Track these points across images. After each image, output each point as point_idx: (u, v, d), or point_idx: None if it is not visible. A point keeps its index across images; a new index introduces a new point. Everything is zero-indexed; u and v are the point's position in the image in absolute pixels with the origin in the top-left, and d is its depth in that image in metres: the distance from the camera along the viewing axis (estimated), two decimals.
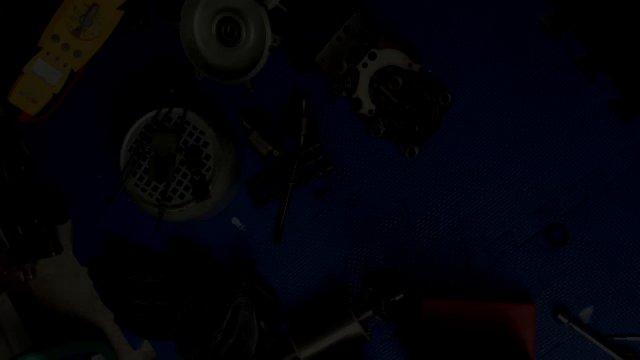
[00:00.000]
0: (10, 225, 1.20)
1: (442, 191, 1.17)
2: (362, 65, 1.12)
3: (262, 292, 1.18)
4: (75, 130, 1.25)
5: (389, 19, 1.17)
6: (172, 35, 1.18)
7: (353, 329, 1.11)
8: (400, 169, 1.18)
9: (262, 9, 1.10)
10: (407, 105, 1.13)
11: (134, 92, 1.24)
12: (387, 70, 1.12)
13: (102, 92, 1.25)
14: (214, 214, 1.20)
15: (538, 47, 1.14)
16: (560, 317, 1.13)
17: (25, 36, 1.20)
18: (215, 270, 1.20)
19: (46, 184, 1.26)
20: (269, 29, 1.10)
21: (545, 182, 1.15)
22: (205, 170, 1.11)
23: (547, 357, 1.14)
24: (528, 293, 1.15)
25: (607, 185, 1.13)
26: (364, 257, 1.19)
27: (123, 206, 1.21)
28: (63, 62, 1.17)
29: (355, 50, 1.13)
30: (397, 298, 1.14)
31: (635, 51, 1.13)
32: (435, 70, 1.16)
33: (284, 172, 1.18)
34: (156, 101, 1.13)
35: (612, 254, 1.13)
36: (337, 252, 1.19)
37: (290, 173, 1.17)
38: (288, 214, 1.19)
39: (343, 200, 1.19)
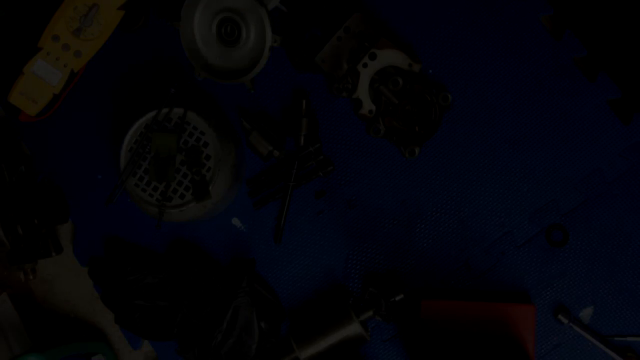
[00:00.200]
0: (10, 225, 1.20)
1: (442, 191, 1.17)
2: (362, 65, 1.12)
3: (262, 292, 1.18)
4: (75, 130, 1.25)
5: (389, 19, 1.17)
6: (172, 35, 1.18)
7: (353, 329, 1.11)
8: (400, 169, 1.18)
9: (262, 9, 1.10)
10: (407, 105, 1.13)
11: (134, 92, 1.24)
12: (387, 70, 1.12)
13: (102, 92, 1.25)
14: (214, 214, 1.20)
15: (538, 47, 1.14)
16: (560, 317, 1.13)
17: (25, 36, 1.20)
18: (215, 270, 1.20)
19: (46, 184, 1.26)
20: (269, 29, 1.10)
21: (545, 182, 1.15)
22: (205, 170, 1.11)
23: (547, 357, 1.14)
24: (528, 293, 1.15)
25: (607, 185, 1.13)
26: (364, 257, 1.19)
27: (123, 206, 1.21)
28: (63, 62, 1.17)
29: (355, 50, 1.13)
30: (397, 298, 1.14)
31: (635, 51, 1.13)
32: (435, 70, 1.16)
33: (284, 172, 1.18)
34: (156, 101, 1.13)
35: (612, 254, 1.13)
36: (337, 252, 1.19)
37: (290, 173, 1.17)
38: (288, 214, 1.19)
39: (343, 200, 1.19)
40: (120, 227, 1.25)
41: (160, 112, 1.12)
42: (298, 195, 1.20)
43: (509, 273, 1.15)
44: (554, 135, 1.14)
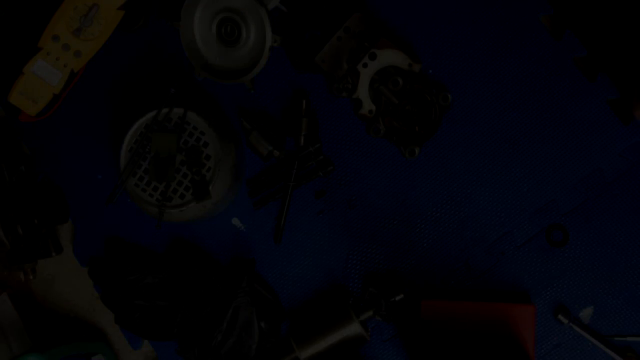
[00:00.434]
0: (10, 225, 1.20)
1: (442, 191, 1.17)
2: (362, 65, 1.12)
3: (262, 292, 1.18)
4: (75, 130, 1.25)
5: (389, 19, 1.17)
6: (172, 35, 1.18)
7: (353, 329, 1.11)
8: (400, 169, 1.18)
9: (262, 9, 1.10)
10: (407, 105, 1.13)
11: (134, 92, 1.24)
12: (387, 70, 1.12)
13: (102, 92, 1.25)
14: (214, 214, 1.20)
15: (538, 47, 1.14)
16: (560, 317, 1.13)
17: (25, 36, 1.20)
18: (215, 270, 1.20)
19: (46, 184, 1.26)
20: (269, 29, 1.10)
21: (545, 182, 1.15)
22: (205, 170, 1.11)
23: (547, 357, 1.14)
24: (528, 293, 1.15)
25: (607, 185, 1.13)
26: (364, 257, 1.19)
27: (123, 206, 1.21)
28: (63, 62, 1.17)
29: (355, 50, 1.13)
30: (397, 298, 1.14)
31: (635, 51, 1.13)
32: (435, 70, 1.16)
33: (284, 172, 1.18)
34: (156, 101, 1.13)
35: (612, 254, 1.13)
36: (337, 252, 1.19)
37: (290, 173, 1.17)
38: (288, 214, 1.19)
39: (343, 200, 1.19)
40: (120, 227, 1.25)
41: (160, 112, 1.12)
42: (298, 195, 1.20)
43: (509, 273, 1.15)
44: (553, 135, 1.14)
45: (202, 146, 1.11)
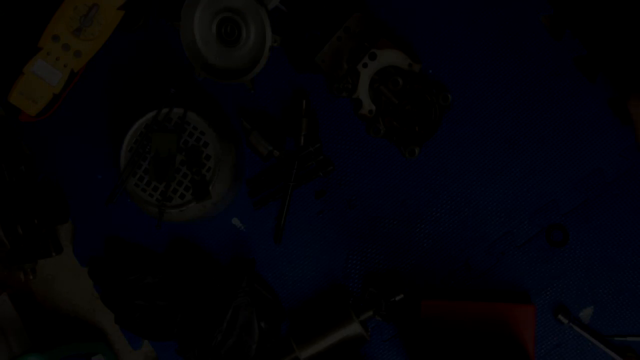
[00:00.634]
0: (10, 225, 1.20)
1: (442, 191, 1.17)
2: (362, 65, 1.12)
3: (262, 292, 1.18)
4: (75, 130, 1.25)
5: (389, 19, 1.17)
6: (172, 35, 1.18)
7: (353, 329, 1.11)
8: (400, 169, 1.18)
9: (262, 9, 1.10)
10: (407, 105, 1.13)
11: (134, 92, 1.24)
12: (387, 70, 1.12)
13: (102, 92, 1.25)
14: (214, 214, 1.20)
15: (538, 47, 1.14)
16: (560, 317, 1.13)
17: (25, 36, 1.20)
18: (215, 270, 1.20)
19: (46, 183, 1.26)
20: (269, 29, 1.10)
21: (545, 182, 1.15)
22: (205, 170, 1.11)
23: (547, 357, 1.14)
24: (528, 293, 1.15)
25: (607, 185, 1.13)
26: (364, 257, 1.19)
27: (123, 206, 1.21)
28: (63, 62, 1.17)
29: (355, 50, 1.13)
30: (397, 298, 1.14)
31: (635, 51, 1.13)
32: (435, 70, 1.16)
33: (284, 172, 1.18)
34: (156, 101, 1.13)
35: (612, 254, 1.13)
36: (337, 252, 1.19)
37: (290, 173, 1.17)
38: (288, 214, 1.19)
39: (343, 200, 1.19)
40: (120, 227, 1.25)
41: (160, 112, 1.12)
42: (298, 195, 1.20)
43: (509, 273, 1.15)
44: (553, 135, 1.14)
45: (202, 146, 1.11)
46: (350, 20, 1.13)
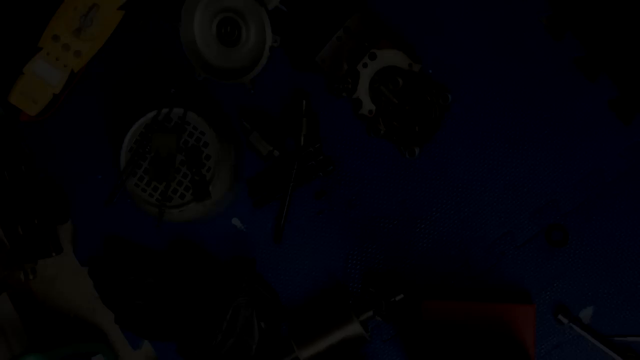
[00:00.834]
0: (10, 225, 1.20)
1: (442, 191, 1.17)
2: (362, 65, 1.12)
3: (262, 292, 1.18)
4: (75, 130, 1.25)
5: (389, 19, 1.17)
6: (172, 35, 1.18)
7: (353, 329, 1.11)
8: (400, 169, 1.18)
9: (262, 9, 1.10)
10: (407, 105, 1.13)
11: (134, 92, 1.24)
12: (387, 70, 1.12)
13: (102, 92, 1.25)
14: (214, 214, 1.20)
15: (538, 47, 1.14)
16: (560, 317, 1.13)
17: (25, 36, 1.20)
18: (215, 270, 1.20)
19: (46, 183, 1.26)
20: (269, 29, 1.11)
21: (545, 182, 1.15)
22: (205, 170, 1.11)
23: (547, 357, 1.14)
24: (528, 293, 1.15)
25: (607, 185, 1.13)
26: (364, 257, 1.19)
27: (123, 206, 1.21)
28: (63, 62, 1.17)
29: (355, 50, 1.13)
30: (397, 298, 1.14)
31: (635, 51, 1.13)
32: (435, 70, 1.16)
33: (284, 172, 1.18)
34: (156, 101, 1.13)
35: (612, 254, 1.13)
36: (337, 252, 1.19)
37: (290, 173, 1.17)
38: (288, 214, 1.19)
39: (343, 200, 1.19)
40: (120, 227, 1.25)
41: (160, 112, 1.12)
42: (298, 195, 1.20)
43: (509, 273, 1.15)
44: (553, 135, 1.14)
45: (202, 146, 1.11)
46: (350, 20, 1.13)
